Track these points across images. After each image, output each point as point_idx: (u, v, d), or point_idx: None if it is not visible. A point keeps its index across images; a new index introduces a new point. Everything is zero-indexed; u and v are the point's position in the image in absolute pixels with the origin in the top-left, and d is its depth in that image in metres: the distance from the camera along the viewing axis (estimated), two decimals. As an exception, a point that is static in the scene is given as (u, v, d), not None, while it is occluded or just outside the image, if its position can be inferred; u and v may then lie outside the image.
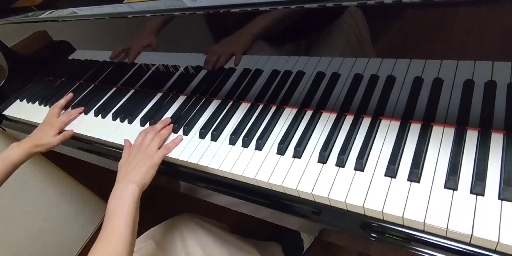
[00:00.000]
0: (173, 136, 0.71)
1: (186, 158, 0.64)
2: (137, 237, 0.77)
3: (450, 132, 0.52)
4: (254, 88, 0.69)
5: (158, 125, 0.71)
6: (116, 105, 0.84)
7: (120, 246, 0.51)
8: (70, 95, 0.91)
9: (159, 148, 0.66)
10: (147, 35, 0.72)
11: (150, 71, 0.82)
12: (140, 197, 0.59)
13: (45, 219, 1.26)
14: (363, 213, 0.50)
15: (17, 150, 0.75)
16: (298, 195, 0.55)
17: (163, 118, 0.74)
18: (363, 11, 0.48)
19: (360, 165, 0.52)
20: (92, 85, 0.95)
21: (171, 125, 0.71)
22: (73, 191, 1.34)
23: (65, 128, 0.83)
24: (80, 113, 0.87)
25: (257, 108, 0.69)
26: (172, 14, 0.63)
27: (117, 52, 0.82)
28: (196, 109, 0.74)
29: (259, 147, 0.61)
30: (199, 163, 0.63)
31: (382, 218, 0.48)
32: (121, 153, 0.68)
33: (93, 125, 0.82)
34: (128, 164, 0.64)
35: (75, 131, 0.82)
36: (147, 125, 0.75)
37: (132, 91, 0.87)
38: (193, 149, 0.66)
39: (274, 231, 1.15)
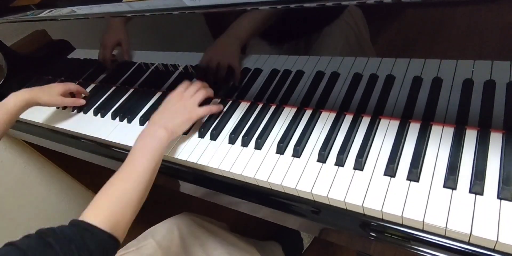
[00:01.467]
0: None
1: (186, 158, 0.64)
2: (137, 236, 0.78)
3: (449, 132, 0.52)
4: (254, 87, 0.69)
5: (199, 83, 0.69)
6: (116, 104, 0.84)
7: (134, 188, 0.49)
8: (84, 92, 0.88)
9: (199, 105, 0.65)
10: (116, 32, 0.71)
11: (150, 70, 0.82)
12: (167, 145, 0.58)
13: (45, 219, 1.26)
14: (362, 212, 0.50)
15: (14, 98, 0.71)
16: (297, 195, 0.55)
17: None
18: (363, 10, 0.48)
19: (359, 165, 0.52)
20: (92, 84, 0.95)
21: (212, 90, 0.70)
22: (73, 191, 1.34)
23: (66, 128, 0.83)
24: (84, 95, 0.87)
25: (256, 107, 0.69)
26: (171, 13, 0.63)
27: (101, 53, 0.82)
28: (196, 108, 0.74)
29: (258, 146, 0.61)
30: (198, 163, 0.63)
31: (381, 217, 0.48)
32: (121, 153, 0.67)
33: (92, 124, 0.82)
34: (166, 110, 0.63)
35: (75, 131, 0.82)
36: (147, 124, 0.75)
37: (131, 90, 0.87)
38: (193, 148, 0.66)
39: (274, 231, 1.15)
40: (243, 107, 0.71)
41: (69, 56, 0.91)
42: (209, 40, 0.67)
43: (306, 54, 0.60)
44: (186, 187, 0.70)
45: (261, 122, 0.66)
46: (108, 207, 0.47)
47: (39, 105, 0.76)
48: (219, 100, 0.74)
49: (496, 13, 0.41)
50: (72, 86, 0.83)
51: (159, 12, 0.64)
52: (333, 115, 0.62)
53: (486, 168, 0.47)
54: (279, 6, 0.52)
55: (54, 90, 0.78)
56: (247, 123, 0.67)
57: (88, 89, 0.94)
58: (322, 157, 0.55)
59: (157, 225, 0.81)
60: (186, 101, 0.64)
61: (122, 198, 0.48)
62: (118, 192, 0.49)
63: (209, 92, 0.69)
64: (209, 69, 0.69)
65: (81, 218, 0.46)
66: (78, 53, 0.89)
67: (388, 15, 0.48)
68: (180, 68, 0.76)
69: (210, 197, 0.67)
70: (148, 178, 0.52)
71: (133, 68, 0.84)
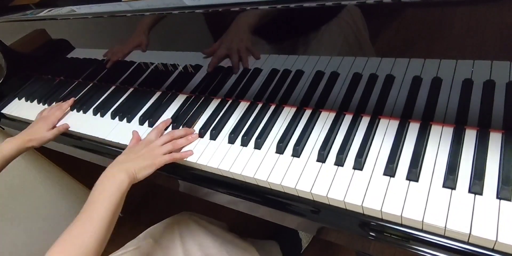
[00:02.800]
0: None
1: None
2: (137, 235, 0.78)
3: (448, 131, 0.52)
4: (253, 87, 0.69)
5: (178, 132, 0.68)
6: (115, 103, 0.84)
7: (92, 233, 0.50)
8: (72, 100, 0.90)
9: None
10: (139, 35, 0.72)
11: (149, 70, 0.82)
12: (127, 190, 0.57)
13: (45, 219, 1.26)
14: (361, 212, 0.50)
15: (8, 144, 0.75)
16: (297, 194, 0.55)
17: (163, 120, 0.73)
18: (362, 10, 0.48)
19: (359, 164, 0.52)
20: (91, 84, 0.95)
21: (192, 136, 0.68)
22: (73, 190, 1.34)
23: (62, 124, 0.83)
24: (70, 105, 0.88)
25: (256, 107, 0.69)
26: (171, 13, 0.63)
27: (110, 52, 0.82)
28: (195, 108, 0.74)
29: (258, 146, 0.61)
30: (198, 162, 0.63)
31: (380, 217, 0.48)
32: (121, 153, 0.67)
33: (92, 124, 0.82)
34: (130, 152, 0.63)
35: (75, 130, 0.82)
36: (146, 124, 0.75)
37: (131, 89, 0.87)
38: (192, 148, 0.66)
39: (273, 230, 1.15)
40: (242, 106, 0.71)
41: (69, 56, 0.91)
42: (209, 40, 0.67)
43: (305, 54, 0.60)
44: (186, 187, 0.70)
45: (260, 122, 0.66)
46: (67, 250, 0.49)
47: (36, 147, 0.79)
48: (219, 102, 0.74)
49: (496, 13, 0.41)
50: (55, 115, 0.83)
51: (159, 11, 0.64)
52: (332, 115, 0.62)
53: (485, 168, 0.47)
54: (279, 6, 0.52)
55: (41, 129, 0.80)
56: (246, 122, 0.67)
57: (88, 89, 0.94)
58: (322, 157, 0.55)
59: (156, 224, 0.81)
60: (153, 148, 0.64)
61: (80, 243, 0.50)
62: (77, 244, 0.50)
63: (182, 142, 0.66)
64: (222, 58, 0.68)
65: None
66: (78, 53, 0.89)
67: (387, 15, 0.48)
68: (180, 68, 0.76)
69: (210, 196, 0.67)
70: (105, 224, 0.52)
71: (132, 67, 0.84)
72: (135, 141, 0.68)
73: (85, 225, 0.51)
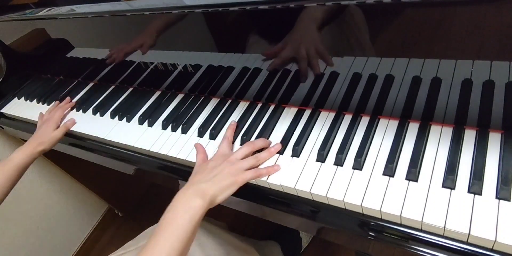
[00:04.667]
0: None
1: (185, 157, 0.64)
2: (137, 235, 0.78)
3: (448, 131, 0.52)
4: (253, 86, 0.69)
5: (259, 142, 0.59)
6: (115, 103, 0.84)
7: None
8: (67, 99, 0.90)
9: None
10: (149, 34, 0.71)
11: (149, 69, 0.82)
12: (202, 217, 0.50)
13: (43, 218, 1.26)
14: (361, 212, 0.50)
15: (19, 153, 0.74)
16: (296, 194, 0.55)
17: (228, 125, 0.64)
18: (362, 10, 0.48)
19: (358, 164, 0.52)
20: (91, 83, 0.95)
21: (275, 147, 0.58)
22: (72, 190, 1.34)
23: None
24: (70, 105, 0.87)
25: (255, 107, 0.69)
26: (170, 12, 0.63)
27: (115, 49, 0.82)
28: (195, 107, 0.74)
29: (257, 145, 0.61)
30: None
31: (380, 217, 0.48)
32: (120, 152, 0.67)
33: (91, 123, 0.82)
34: (208, 171, 0.54)
35: (74, 130, 0.81)
36: (146, 123, 0.75)
37: (130, 89, 0.87)
38: (192, 148, 0.66)
39: (273, 230, 1.15)
40: (242, 106, 0.71)
41: (68, 55, 0.91)
42: (208, 39, 0.67)
43: (305, 54, 0.60)
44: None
45: (260, 122, 0.66)
46: None
47: (47, 150, 0.77)
48: (219, 101, 0.74)
49: (496, 13, 0.41)
50: (56, 115, 0.83)
51: (159, 11, 0.64)
52: (332, 115, 0.62)
53: (484, 168, 0.47)
54: (279, 6, 0.52)
55: (48, 131, 0.79)
56: (246, 122, 0.67)
57: (87, 88, 0.94)
58: (321, 157, 0.55)
59: (155, 224, 0.80)
60: (234, 162, 0.55)
61: None
62: None
63: (266, 156, 0.57)
64: (290, 61, 0.61)
65: None
66: (77, 52, 0.89)
67: (387, 15, 0.48)
68: (180, 67, 0.76)
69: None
70: (179, 253, 0.47)
71: (132, 67, 0.83)
72: (203, 156, 0.60)
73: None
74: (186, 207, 0.50)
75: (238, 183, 0.53)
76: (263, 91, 0.69)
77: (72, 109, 0.88)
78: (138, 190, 1.54)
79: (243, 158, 0.56)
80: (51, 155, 1.20)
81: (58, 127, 0.81)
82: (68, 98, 0.90)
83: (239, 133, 0.65)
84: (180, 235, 0.47)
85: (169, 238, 0.47)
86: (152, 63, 0.80)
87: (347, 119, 0.60)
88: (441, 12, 0.44)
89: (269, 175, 0.56)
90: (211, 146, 0.65)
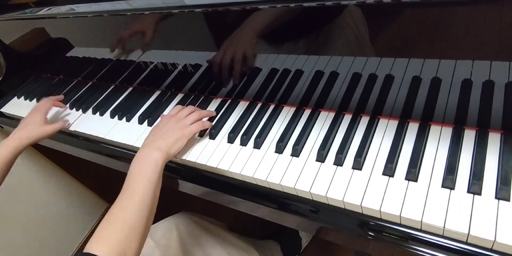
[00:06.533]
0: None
1: (184, 157, 0.64)
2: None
3: (448, 131, 0.53)
4: (253, 86, 0.69)
5: (205, 112, 0.68)
6: (114, 102, 0.84)
7: (135, 214, 0.48)
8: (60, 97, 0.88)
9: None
10: (148, 23, 0.70)
11: (149, 69, 0.82)
12: (163, 166, 0.56)
13: (43, 218, 1.26)
14: (360, 211, 0.50)
15: (3, 147, 0.70)
16: (296, 194, 0.55)
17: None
18: (362, 10, 0.48)
19: (358, 164, 0.52)
20: (90, 83, 0.95)
21: (213, 111, 0.69)
22: (71, 189, 1.34)
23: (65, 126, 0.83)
24: (58, 98, 0.86)
25: (255, 107, 0.69)
26: (170, 12, 0.63)
27: (116, 39, 0.80)
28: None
29: (257, 145, 0.61)
30: (197, 161, 0.63)
31: (379, 216, 0.48)
32: (120, 151, 0.67)
33: (91, 123, 0.82)
34: (158, 129, 0.62)
35: (74, 129, 0.81)
36: (145, 123, 0.75)
37: (130, 88, 0.87)
38: (191, 148, 0.66)
39: (272, 230, 1.15)
40: (242, 106, 0.71)
41: (68, 54, 0.91)
42: (208, 39, 0.66)
43: (305, 54, 0.60)
44: (185, 186, 0.70)
45: (260, 121, 0.66)
46: (112, 237, 0.46)
47: (34, 143, 0.74)
48: (219, 101, 0.74)
49: (495, 13, 0.41)
50: (43, 106, 0.79)
51: (158, 10, 0.64)
52: (332, 115, 0.62)
53: (484, 168, 0.47)
54: (279, 5, 0.52)
55: (36, 123, 0.75)
56: (246, 122, 0.67)
57: (87, 88, 0.94)
58: (321, 157, 0.55)
59: (155, 224, 0.81)
60: (178, 120, 0.62)
61: (124, 226, 0.47)
62: (120, 221, 0.47)
63: (206, 113, 0.67)
64: (223, 62, 0.67)
65: (85, 251, 0.45)
66: (77, 52, 0.89)
67: (387, 15, 0.48)
68: (179, 67, 0.76)
69: (209, 196, 0.67)
70: (148, 203, 0.50)
71: (132, 66, 0.83)
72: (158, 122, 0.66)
73: (125, 205, 0.49)
74: (146, 161, 0.55)
75: (186, 136, 0.61)
76: (263, 91, 0.69)
77: (71, 108, 0.88)
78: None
79: (188, 116, 0.63)
80: (51, 155, 1.20)
81: (45, 119, 0.77)
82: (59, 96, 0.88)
83: (238, 133, 0.65)
84: (147, 184, 0.52)
85: (139, 188, 0.51)
86: (152, 62, 0.80)
87: (347, 119, 0.60)
88: (441, 12, 0.44)
89: (210, 126, 0.65)
90: (211, 146, 0.65)
